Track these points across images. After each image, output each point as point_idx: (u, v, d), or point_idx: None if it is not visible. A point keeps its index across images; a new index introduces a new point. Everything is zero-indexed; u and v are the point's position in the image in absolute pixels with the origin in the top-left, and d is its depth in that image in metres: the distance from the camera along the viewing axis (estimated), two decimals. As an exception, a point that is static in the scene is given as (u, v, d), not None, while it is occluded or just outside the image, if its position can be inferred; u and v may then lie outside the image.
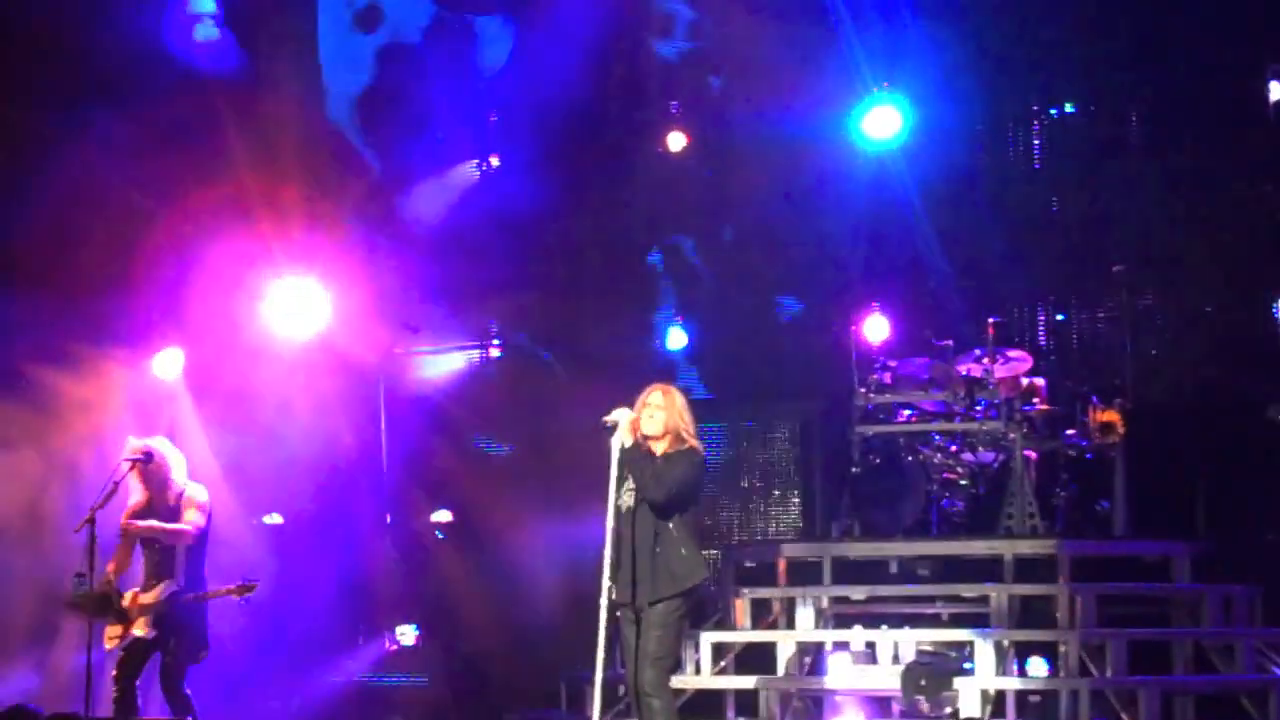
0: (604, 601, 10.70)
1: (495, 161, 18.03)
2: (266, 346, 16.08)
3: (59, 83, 14.85)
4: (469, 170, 18.02)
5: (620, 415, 10.69)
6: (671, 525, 10.68)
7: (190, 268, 15.39)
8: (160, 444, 12.34)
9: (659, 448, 10.74)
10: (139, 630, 11.91)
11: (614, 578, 10.69)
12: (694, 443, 10.83)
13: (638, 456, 10.66)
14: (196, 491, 12.22)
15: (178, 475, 12.20)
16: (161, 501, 12.12)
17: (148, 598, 11.98)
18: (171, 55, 15.78)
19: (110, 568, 12.08)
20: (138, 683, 11.96)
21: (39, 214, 14.82)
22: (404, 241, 17.36)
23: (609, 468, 10.72)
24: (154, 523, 11.97)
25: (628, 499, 10.73)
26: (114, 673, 11.84)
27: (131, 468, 12.09)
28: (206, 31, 16.19)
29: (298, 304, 16.00)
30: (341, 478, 16.46)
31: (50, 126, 14.52)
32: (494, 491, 17.09)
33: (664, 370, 17.09)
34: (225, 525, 13.62)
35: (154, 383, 15.27)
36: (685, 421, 10.84)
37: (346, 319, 16.44)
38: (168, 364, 15.43)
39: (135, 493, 12.18)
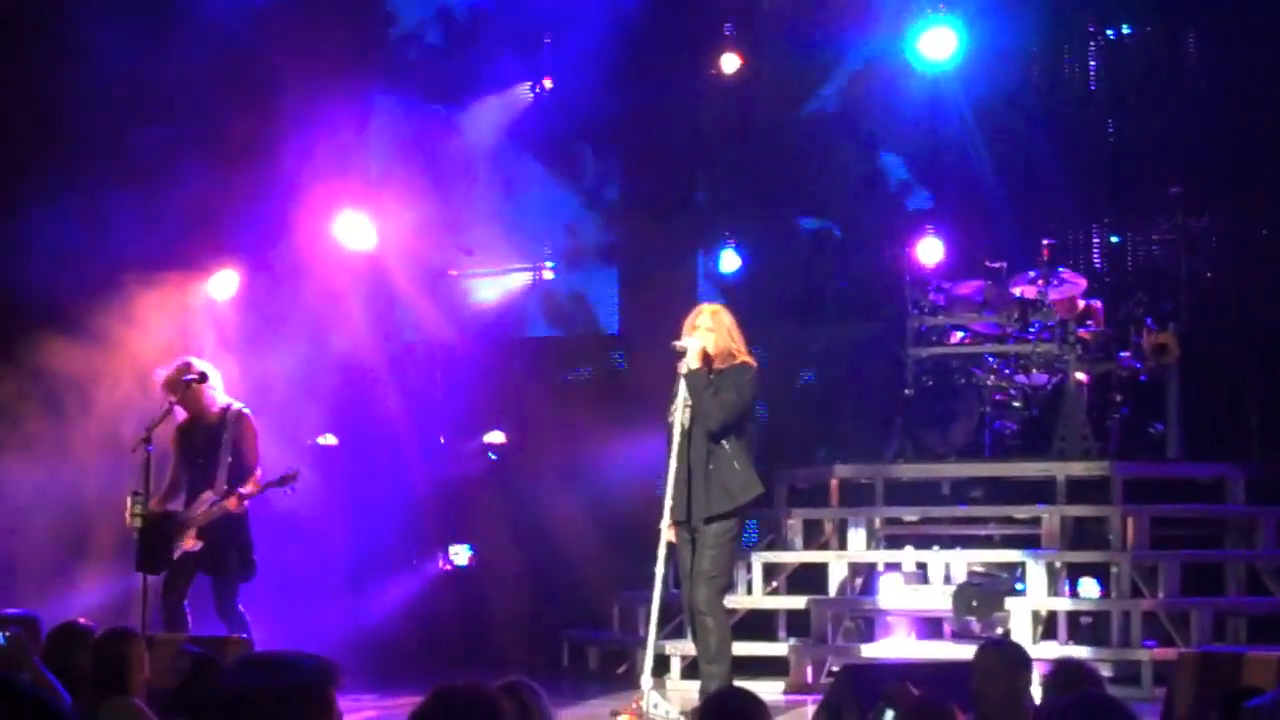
0: (665, 519, 10.74)
1: (549, 84, 17.94)
2: (322, 269, 16.11)
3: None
4: (523, 92, 17.94)
5: (690, 343, 10.73)
6: (726, 443, 10.73)
7: (245, 191, 15.42)
8: (195, 362, 12.38)
9: (718, 366, 10.78)
10: (186, 544, 11.98)
11: (673, 496, 10.75)
12: (747, 358, 10.85)
13: (698, 381, 10.70)
14: (246, 411, 12.27)
15: (215, 394, 12.26)
16: (204, 419, 12.18)
17: (193, 510, 12.05)
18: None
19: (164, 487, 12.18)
20: (186, 601, 12.04)
21: (99, 129, 14.85)
22: (458, 164, 17.34)
23: (672, 391, 10.77)
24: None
25: (684, 418, 10.76)
26: (163, 590, 11.91)
27: (187, 390, 12.15)
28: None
29: (355, 227, 16.04)
30: (396, 399, 16.49)
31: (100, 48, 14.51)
32: (549, 413, 17.11)
33: (718, 292, 17.02)
34: (279, 445, 13.67)
35: (208, 303, 15.31)
36: (736, 340, 10.88)
37: (402, 241, 16.47)
38: (223, 285, 15.48)
39: (180, 411, 12.26)
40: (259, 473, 12.10)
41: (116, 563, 13.47)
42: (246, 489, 12.01)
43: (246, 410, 12.30)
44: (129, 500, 11.91)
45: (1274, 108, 16.94)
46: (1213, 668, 9.24)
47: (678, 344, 10.83)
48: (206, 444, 12.16)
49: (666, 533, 10.77)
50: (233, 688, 4.36)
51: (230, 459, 12.09)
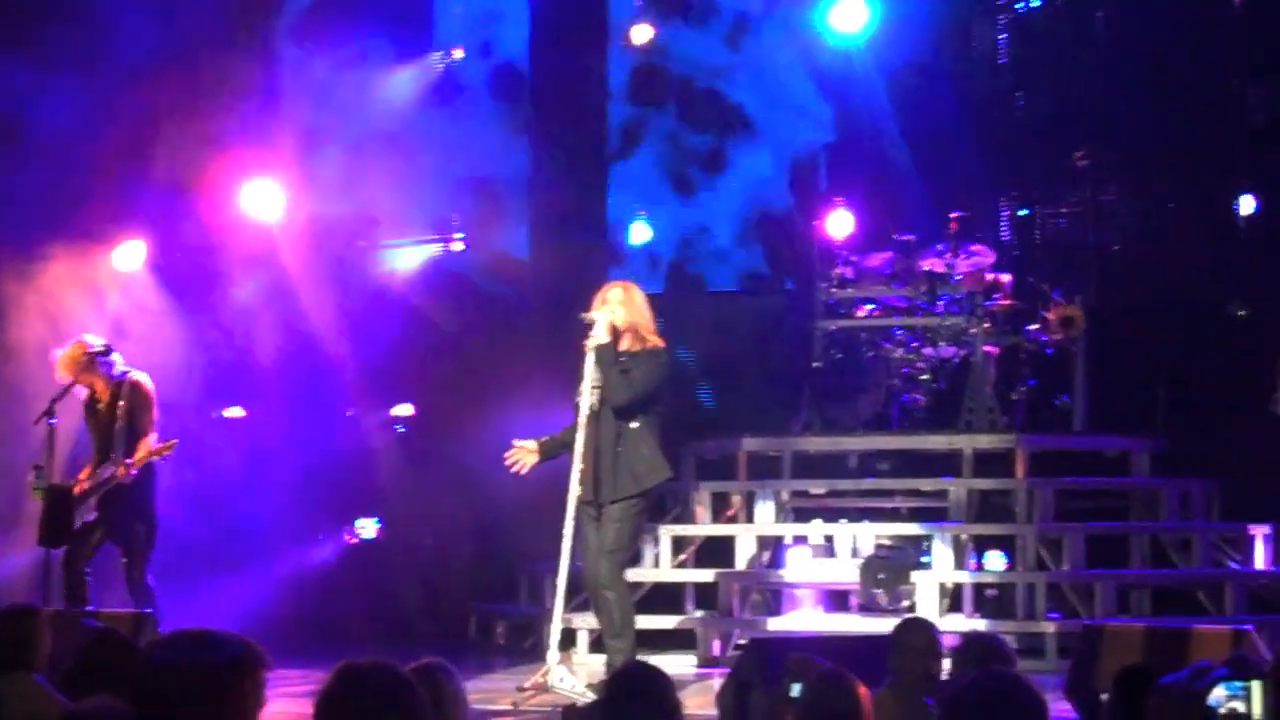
0: (573, 495, 10.81)
1: (460, 53, 17.89)
2: (230, 239, 16.03)
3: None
4: (434, 61, 17.89)
5: (598, 316, 10.77)
6: (634, 424, 10.80)
7: (152, 160, 15.31)
8: (89, 340, 12.34)
9: (620, 345, 10.82)
10: (87, 514, 11.96)
11: (580, 474, 10.81)
12: (656, 340, 10.91)
13: (607, 355, 10.74)
14: (140, 379, 12.24)
15: (116, 361, 12.23)
16: (104, 394, 12.15)
17: (90, 480, 12.02)
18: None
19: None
20: (89, 573, 12.00)
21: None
22: (368, 133, 17.26)
23: (581, 365, 10.83)
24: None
25: (593, 398, 10.82)
26: (64, 562, 11.87)
27: (90, 365, 12.12)
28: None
29: (260, 195, 15.95)
30: (303, 371, 16.43)
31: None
32: (457, 386, 17.08)
33: (626, 264, 17.05)
34: (186, 418, 13.62)
35: (113, 274, 15.21)
36: (645, 318, 10.92)
37: (310, 211, 16.39)
38: (129, 255, 15.37)
39: (81, 390, 12.24)
40: (152, 438, 12.06)
41: (19, 536, 13.38)
42: (133, 457, 11.97)
43: (141, 378, 12.26)
44: (31, 473, 11.88)
45: (1180, 80, 17.09)
46: (1118, 640, 9.32)
47: (586, 316, 10.88)
48: (109, 417, 12.14)
49: (572, 506, 10.85)
50: (160, 664, 4.37)
51: (124, 427, 12.04)
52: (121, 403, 12.10)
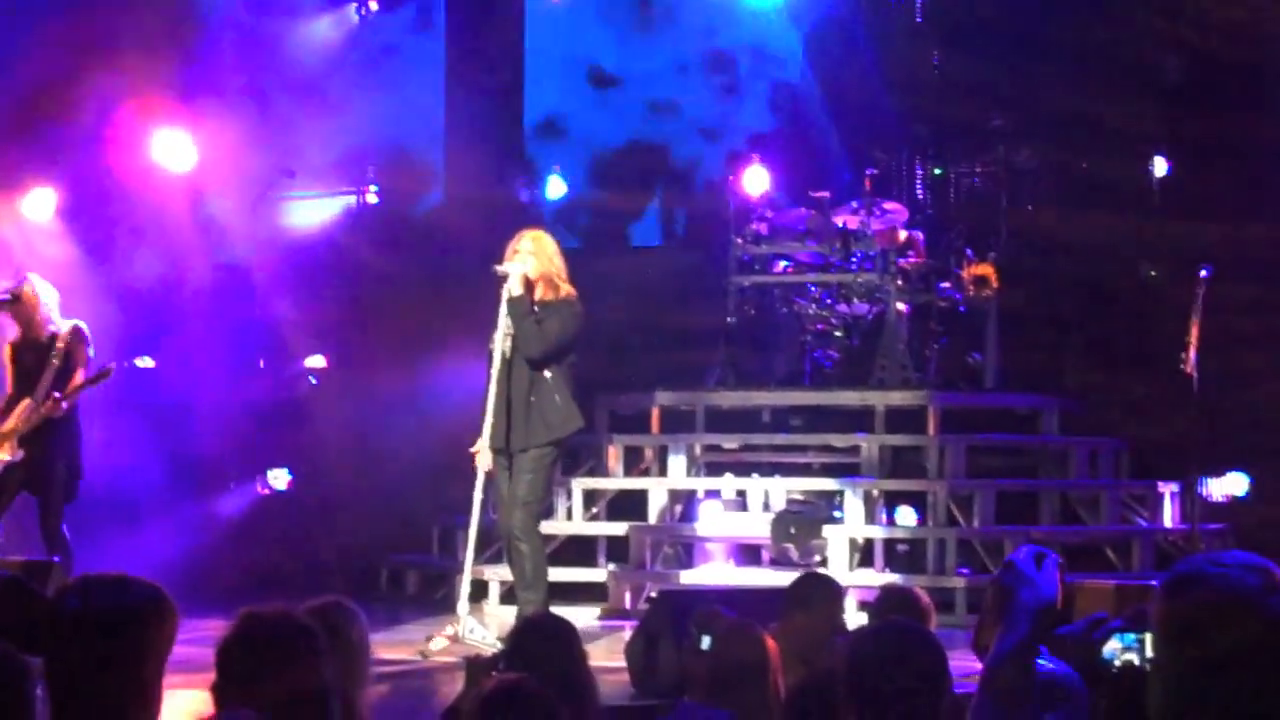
0: (484, 445, 10.82)
1: (374, 5, 17.78)
2: (141, 187, 15.92)
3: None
4: (349, 12, 17.77)
5: (512, 267, 10.76)
6: (548, 374, 10.80)
7: (61, 108, 15.16)
8: (32, 281, 12.24)
9: (534, 295, 10.81)
10: (4, 454, 11.85)
11: (492, 424, 10.81)
12: (569, 289, 10.91)
13: (520, 307, 10.73)
14: (80, 327, 12.16)
15: (50, 312, 12.12)
16: (33, 338, 12.05)
17: (12, 421, 11.91)
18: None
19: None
20: (1, 523, 11.92)
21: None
22: (282, 83, 17.15)
23: (495, 317, 10.83)
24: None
25: (506, 345, 10.82)
26: None
27: (3, 305, 12.04)
28: None
29: (171, 145, 15.84)
30: (214, 321, 16.34)
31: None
32: (370, 338, 17.03)
33: (539, 218, 16.98)
34: (96, 368, 13.53)
35: (24, 222, 15.08)
36: (558, 267, 10.92)
37: (221, 161, 16.28)
38: (39, 204, 15.25)
39: (10, 330, 12.13)
40: (78, 376, 12.00)
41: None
42: (64, 392, 11.89)
43: (82, 324, 12.19)
44: (-55, 418, 11.81)
45: (1095, 43, 17.18)
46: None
47: (499, 268, 10.87)
48: (36, 361, 12.02)
49: (484, 459, 10.86)
50: (76, 609, 4.34)
51: (58, 368, 11.94)
52: (59, 345, 11.99)
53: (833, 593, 7.81)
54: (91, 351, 12.17)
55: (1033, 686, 5.41)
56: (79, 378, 11.98)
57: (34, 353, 12.05)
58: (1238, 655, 3.51)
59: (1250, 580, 3.55)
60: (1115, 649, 5.80)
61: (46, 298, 12.15)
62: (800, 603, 7.61)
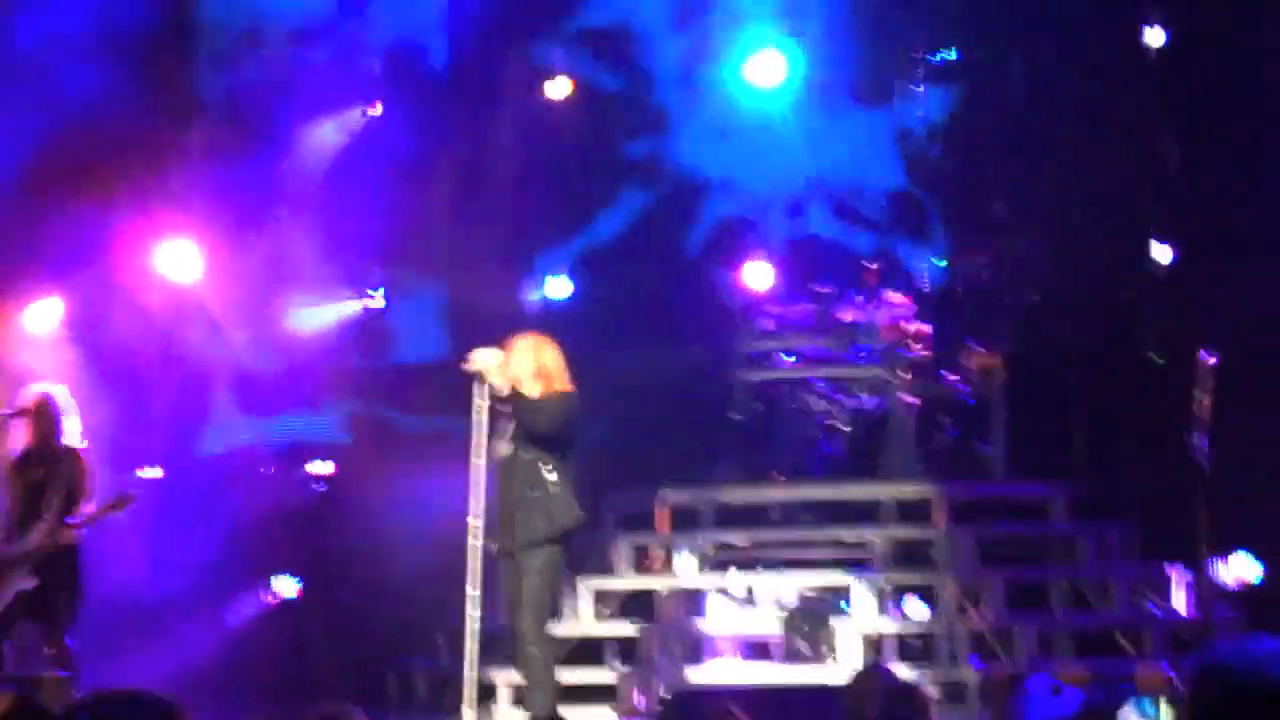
0: (474, 543, 10.82)
1: (378, 110, 17.89)
2: (148, 301, 15.98)
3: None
4: (352, 118, 17.89)
5: (482, 358, 10.77)
6: (543, 469, 10.79)
7: (67, 221, 15.25)
8: (58, 392, 12.24)
9: (532, 391, 10.82)
10: (20, 583, 11.81)
11: (493, 528, 10.81)
12: (567, 386, 10.92)
13: (514, 400, 10.75)
14: (83, 454, 12.13)
15: (68, 428, 12.10)
16: (47, 450, 12.01)
17: (24, 545, 11.87)
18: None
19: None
20: (9, 642, 11.87)
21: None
22: (285, 193, 17.24)
23: (474, 415, 10.84)
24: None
25: (503, 448, 10.84)
26: None
27: (16, 417, 12.04)
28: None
29: (176, 258, 15.92)
30: (221, 430, 16.37)
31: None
32: (376, 443, 17.06)
33: (544, 320, 17.02)
34: (103, 479, 13.55)
35: (26, 335, 15.14)
36: (556, 367, 10.92)
37: (225, 272, 16.36)
38: (44, 315, 15.30)
39: (20, 440, 12.10)
40: (87, 499, 11.97)
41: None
42: (78, 518, 11.85)
43: (84, 445, 12.17)
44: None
45: (1095, 132, 17.24)
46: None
47: (467, 365, 10.88)
48: (44, 478, 11.98)
49: (475, 550, 10.84)
50: None
51: (63, 496, 11.91)
52: (63, 468, 11.96)
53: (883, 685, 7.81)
54: (93, 480, 12.13)
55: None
56: (90, 503, 11.94)
57: (43, 466, 12.01)
58: None
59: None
60: (1128, 715, 5.82)
61: (66, 411, 12.14)
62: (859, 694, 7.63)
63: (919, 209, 18.03)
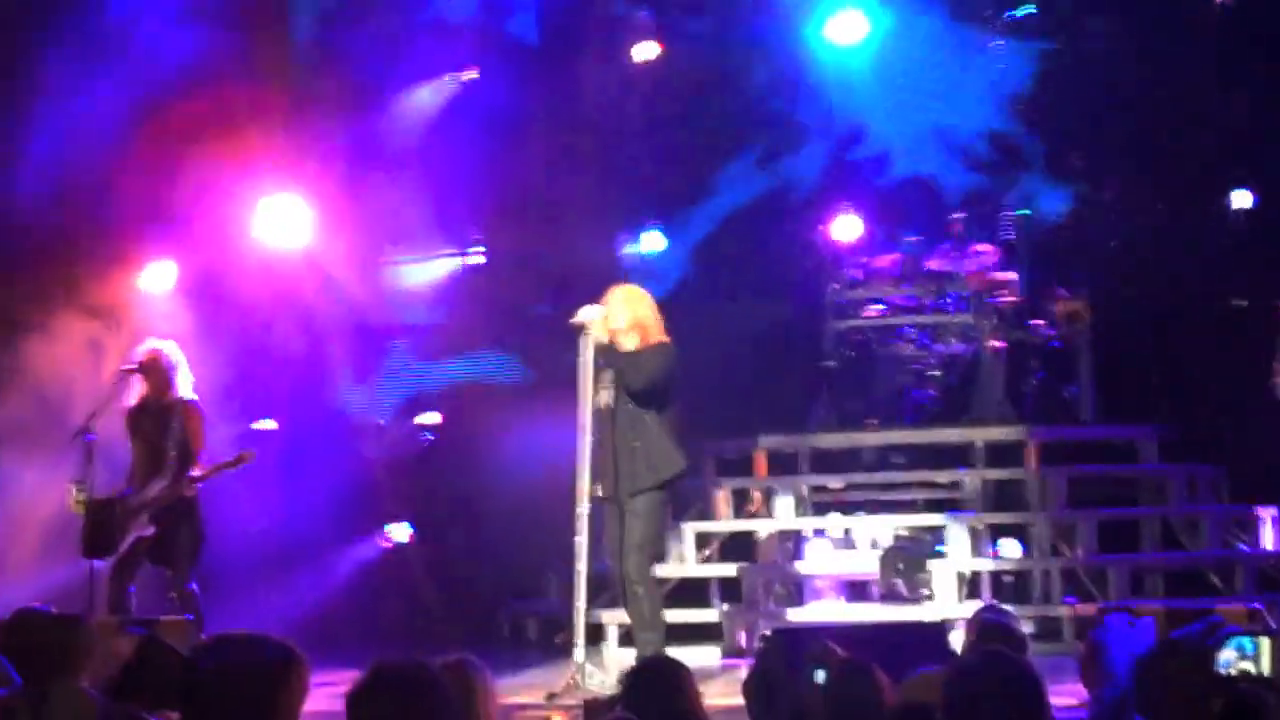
0: (583, 494, 10.75)
1: (473, 74, 17.83)
2: (258, 260, 15.98)
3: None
4: (447, 82, 17.83)
5: (588, 313, 10.71)
6: (648, 419, 10.72)
7: (179, 183, 15.27)
8: (170, 349, 12.25)
9: (629, 343, 10.73)
10: (140, 530, 11.83)
11: (596, 474, 10.74)
12: (663, 337, 10.80)
13: (612, 353, 10.66)
14: (194, 404, 12.12)
15: (180, 381, 12.09)
16: (158, 404, 12.02)
17: (144, 495, 11.89)
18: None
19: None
20: (133, 585, 11.89)
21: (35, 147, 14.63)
22: (386, 154, 17.21)
23: (580, 368, 10.78)
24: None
25: (605, 396, 10.77)
26: (110, 574, 11.72)
27: (131, 373, 12.05)
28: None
29: (285, 217, 15.90)
30: (332, 383, 16.40)
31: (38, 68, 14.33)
32: (482, 393, 17.04)
33: (640, 273, 16.91)
34: (220, 432, 13.55)
35: (145, 295, 15.17)
36: (650, 317, 10.82)
37: (332, 231, 16.34)
38: (159, 276, 15.34)
39: (134, 394, 12.10)
40: (203, 457, 11.97)
41: (62, 549, 13.23)
42: (196, 472, 11.88)
43: (194, 398, 12.15)
44: (71, 488, 11.78)
45: (1172, 90, 17.03)
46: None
47: (574, 319, 10.83)
48: (155, 429, 11.99)
49: (585, 502, 10.78)
50: (208, 668, 4.35)
51: (179, 445, 11.93)
52: (175, 421, 11.97)
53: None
54: (204, 429, 12.12)
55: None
56: (204, 451, 11.94)
57: (152, 419, 12.00)
58: None
59: None
60: (1232, 657, 5.62)
61: (178, 365, 12.14)
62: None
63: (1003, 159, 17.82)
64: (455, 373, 17.18)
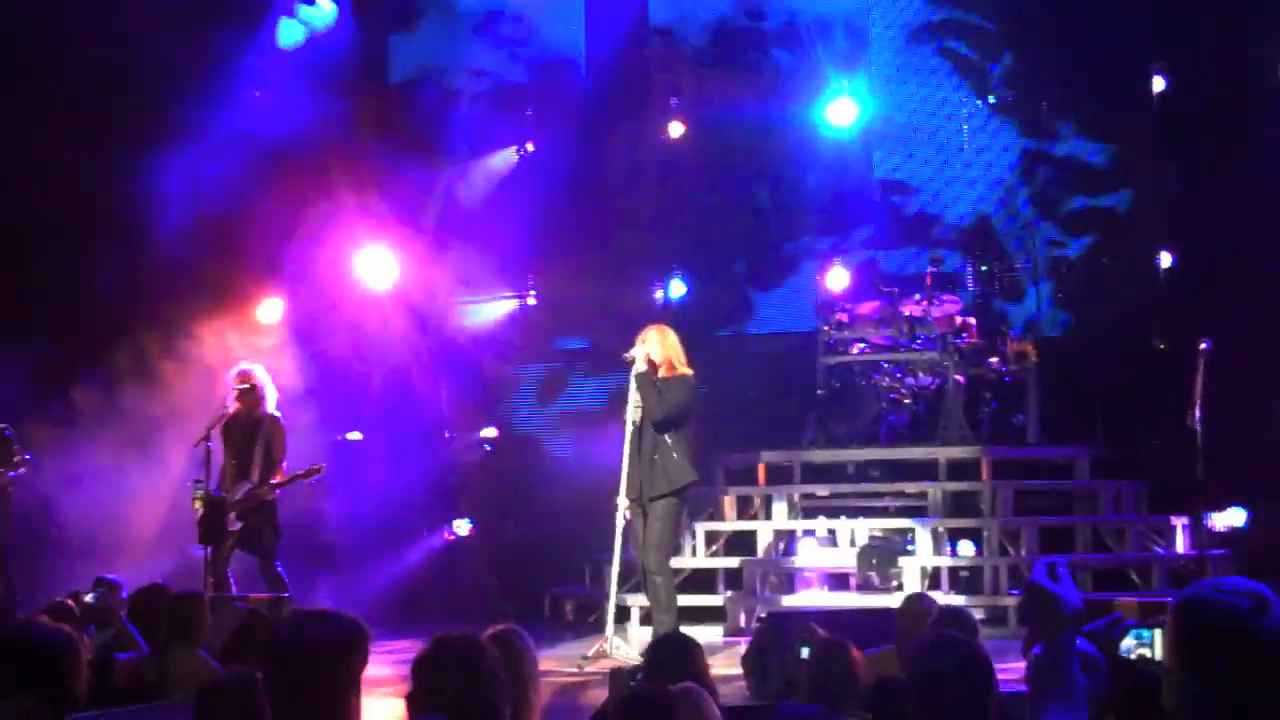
0: (621, 496, 10.84)
1: (531, 147, 17.98)
2: (349, 298, 16.12)
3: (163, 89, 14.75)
4: (510, 154, 17.99)
5: (638, 351, 10.83)
6: (668, 437, 10.81)
7: (290, 235, 15.42)
8: (260, 371, 12.37)
9: (658, 374, 10.84)
10: (232, 524, 11.96)
11: (627, 478, 10.84)
12: (685, 370, 10.92)
13: (646, 382, 10.77)
14: (278, 420, 12.22)
15: (268, 399, 12.23)
16: (249, 418, 12.13)
17: (233, 496, 12.01)
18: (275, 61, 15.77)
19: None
20: (231, 568, 12.01)
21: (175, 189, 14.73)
22: (459, 213, 17.34)
23: (628, 391, 10.91)
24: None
25: (635, 415, 10.86)
26: (210, 559, 11.82)
27: (239, 392, 12.16)
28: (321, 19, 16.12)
29: (375, 264, 16.06)
30: (410, 402, 16.50)
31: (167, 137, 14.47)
32: (534, 412, 17.14)
33: (665, 314, 17.01)
34: (314, 440, 13.68)
35: (257, 326, 15.31)
36: (677, 352, 10.94)
37: (413, 275, 16.47)
38: (271, 310, 15.49)
39: (231, 406, 12.23)
40: (285, 466, 12.09)
41: (173, 537, 13.32)
42: (276, 479, 11.99)
43: (278, 415, 12.27)
44: (192, 486, 11.93)
45: (1111, 166, 17.14)
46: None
47: (626, 355, 10.95)
48: (244, 440, 12.11)
49: (622, 507, 10.88)
50: (288, 637, 4.40)
51: (264, 455, 12.04)
52: (261, 433, 12.08)
53: (924, 608, 7.90)
54: (286, 443, 12.21)
55: (1073, 680, 5.34)
56: (285, 469, 12.05)
57: (243, 431, 12.11)
58: (1233, 670, 3.46)
59: (1243, 604, 3.51)
60: (1131, 645, 5.72)
61: (268, 387, 12.26)
62: (906, 615, 7.90)
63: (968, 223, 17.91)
64: (512, 393, 17.28)
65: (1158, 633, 5.60)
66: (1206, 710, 3.51)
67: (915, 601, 8.17)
